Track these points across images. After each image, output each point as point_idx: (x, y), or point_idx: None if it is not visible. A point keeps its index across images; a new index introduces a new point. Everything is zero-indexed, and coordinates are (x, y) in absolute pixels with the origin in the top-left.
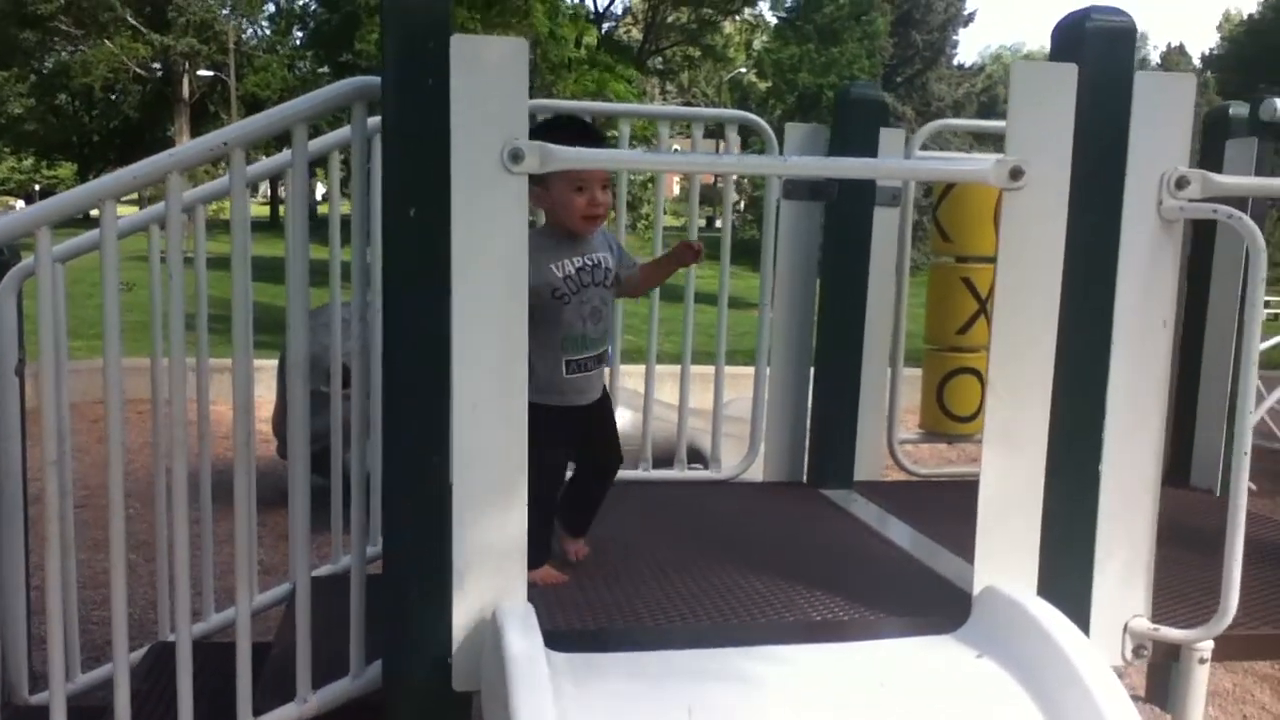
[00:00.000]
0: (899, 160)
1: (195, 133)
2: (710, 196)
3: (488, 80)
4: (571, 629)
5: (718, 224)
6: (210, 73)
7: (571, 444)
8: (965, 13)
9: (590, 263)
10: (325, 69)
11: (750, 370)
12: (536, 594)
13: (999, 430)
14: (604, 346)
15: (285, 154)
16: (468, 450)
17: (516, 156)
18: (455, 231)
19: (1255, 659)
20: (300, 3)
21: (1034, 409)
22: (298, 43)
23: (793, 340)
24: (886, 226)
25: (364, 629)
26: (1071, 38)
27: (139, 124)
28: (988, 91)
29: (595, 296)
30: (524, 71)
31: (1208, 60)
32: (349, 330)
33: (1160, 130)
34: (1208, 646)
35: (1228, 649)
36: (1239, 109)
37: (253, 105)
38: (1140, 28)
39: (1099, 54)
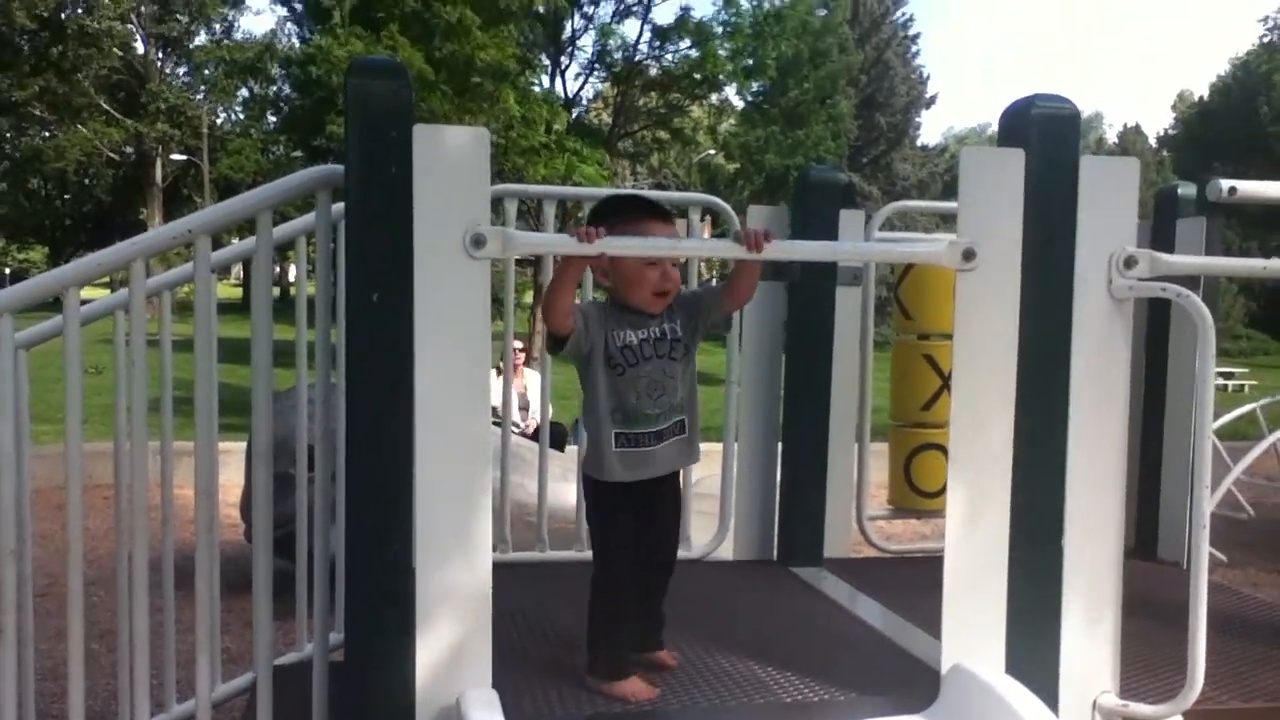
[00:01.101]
0: (856, 244)
1: (168, 216)
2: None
3: (450, 168)
4: (539, 716)
5: None
6: (183, 157)
7: (627, 525)
8: (927, 95)
9: (655, 334)
10: (299, 153)
11: (718, 447)
12: (504, 681)
13: (962, 507)
14: (667, 422)
15: (251, 239)
16: (431, 535)
17: (479, 242)
18: (418, 316)
19: None
20: (273, 89)
21: (995, 485)
22: (271, 127)
23: (760, 417)
24: (849, 305)
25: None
26: (1018, 124)
27: (111, 207)
28: (950, 171)
29: (657, 370)
30: (485, 159)
31: (1163, 140)
32: (315, 412)
33: (1107, 211)
34: None
35: None
36: (1187, 189)
37: (226, 188)
38: (1097, 108)
39: (1044, 139)
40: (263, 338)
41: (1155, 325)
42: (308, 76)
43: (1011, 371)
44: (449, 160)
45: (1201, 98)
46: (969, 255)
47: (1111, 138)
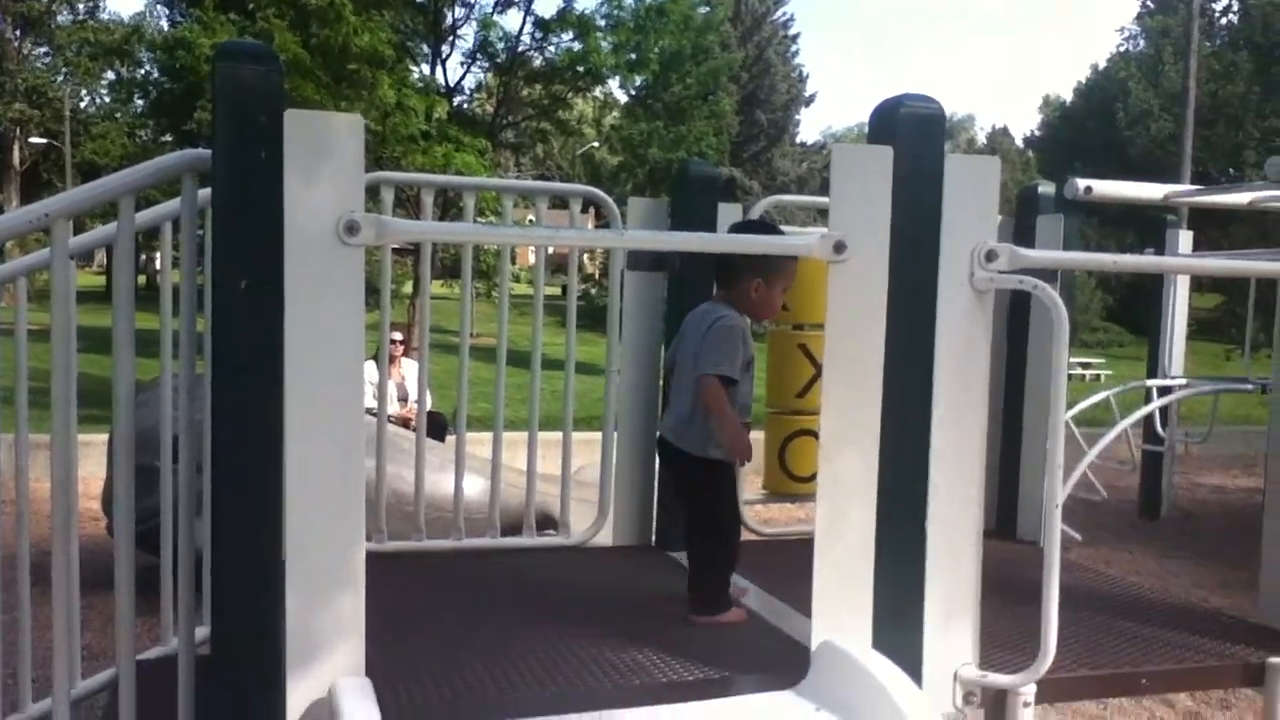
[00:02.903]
0: (730, 235)
1: (26, 200)
2: (564, 265)
3: (322, 153)
4: (414, 703)
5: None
6: (43, 140)
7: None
8: (806, 94)
9: None
10: (168, 138)
11: (598, 436)
12: (379, 669)
13: (830, 490)
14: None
15: (113, 225)
16: (301, 525)
17: (352, 229)
18: (289, 304)
19: (1075, 699)
20: (141, 72)
21: (862, 469)
22: (138, 110)
23: (639, 406)
24: None
25: (193, 715)
26: (886, 122)
27: None
28: (829, 168)
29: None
30: (359, 145)
31: (1029, 141)
32: (180, 402)
33: (970, 207)
34: (1031, 690)
35: (1049, 691)
36: (1047, 188)
37: (89, 173)
38: (969, 110)
39: (912, 137)
40: (125, 326)
41: (1015, 316)
42: (176, 61)
43: (879, 360)
44: (321, 146)
45: (1065, 102)
46: (840, 248)
47: (982, 138)
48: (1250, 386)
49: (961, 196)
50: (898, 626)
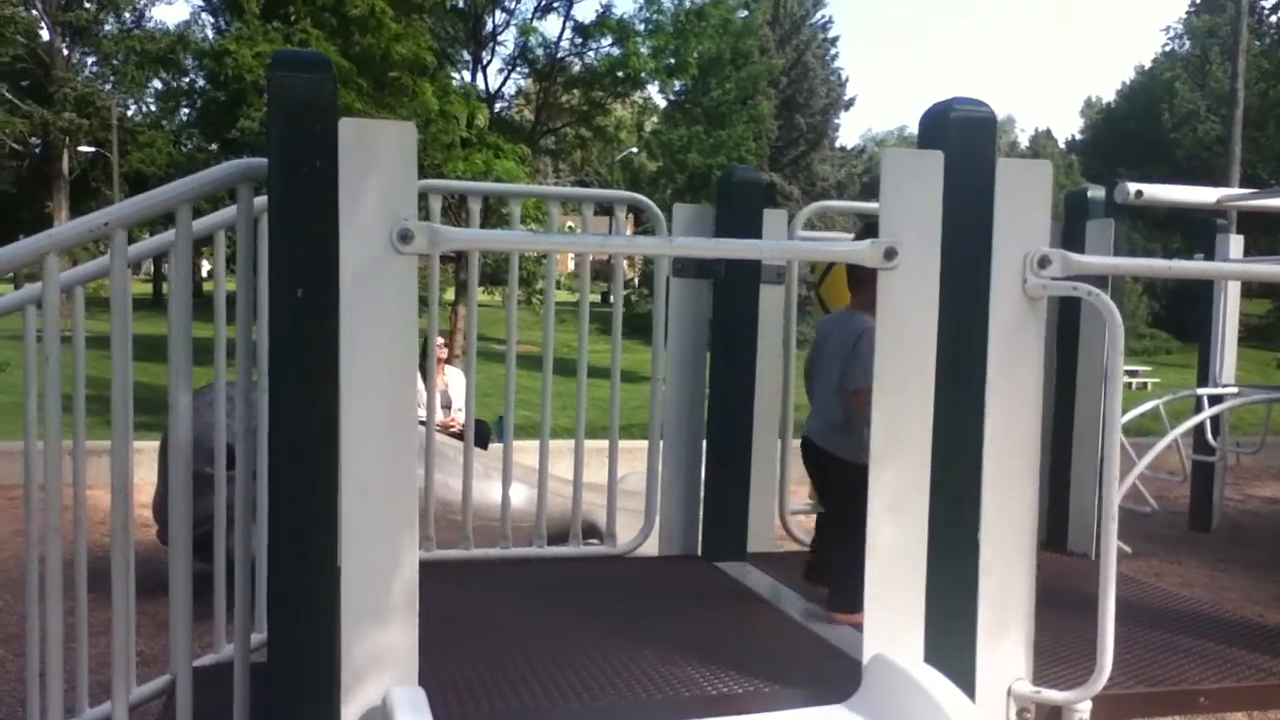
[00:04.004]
0: (780, 241)
1: (75, 209)
2: (603, 271)
3: (376, 162)
4: (465, 713)
5: (610, 299)
6: (91, 149)
7: None
8: (846, 98)
9: None
10: (214, 145)
11: (643, 444)
12: (430, 679)
13: (883, 502)
14: None
15: (168, 233)
16: (356, 534)
17: (405, 237)
18: (344, 312)
19: (1131, 718)
20: (186, 80)
21: (915, 480)
22: (184, 119)
23: (685, 414)
24: (772, 303)
25: None
26: (937, 127)
27: (16, 200)
28: (869, 172)
29: None
30: (413, 153)
31: (1072, 144)
32: (234, 410)
33: (1022, 213)
34: (1086, 707)
35: (1104, 709)
36: (1096, 192)
37: (136, 182)
38: (1009, 112)
39: (962, 142)
40: (182, 334)
41: (1065, 324)
42: (222, 69)
43: (931, 369)
44: (374, 154)
45: (1109, 104)
46: (890, 254)
47: (1024, 141)
48: None
49: (1013, 201)
50: (950, 640)
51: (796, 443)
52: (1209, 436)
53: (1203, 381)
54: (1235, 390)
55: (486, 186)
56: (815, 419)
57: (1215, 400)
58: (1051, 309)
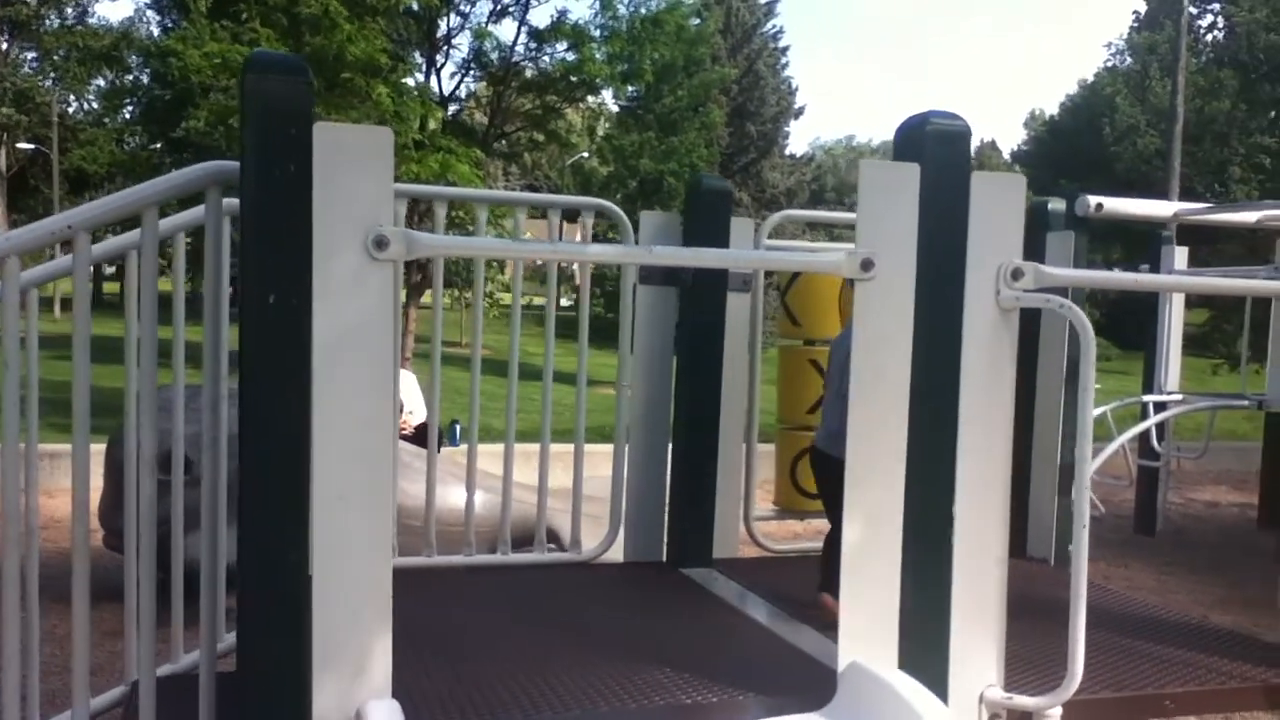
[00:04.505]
0: (761, 252)
1: (12, 207)
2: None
3: (352, 168)
4: None
5: (564, 302)
6: (30, 145)
7: None
8: (796, 106)
9: None
10: (157, 144)
11: (606, 449)
12: (401, 691)
13: (858, 510)
14: None
15: (127, 236)
16: (330, 543)
17: (381, 244)
18: (316, 318)
19: None
20: (130, 78)
21: (890, 489)
22: (127, 117)
23: (651, 420)
24: (737, 311)
25: None
26: (913, 139)
27: None
28: (817, 180)
29: None
30: (389, 159)
31: (1016, 155)
32: (191, 415)
33: (996, 225)
34: (1057, 713)
35: (1074, 714)
36: (1057, 204)
37: (76, 179)
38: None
39: (938, 154)
40: (149, 337)
41: (1024, 332)
42: (167, 68)
43: (906, 379)
44: (350, 159)
45: (1052, 116)
46: (867, 265)
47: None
48: (1247, 403)
49: (987, 214)
50: (923, 647)
51: (762, 448)
52: (1154, 442)
53: (1148, 389)
54: (1180, 397)
55: (454, 192)
56: (821, 426)
57: (1161, 407)
58: None
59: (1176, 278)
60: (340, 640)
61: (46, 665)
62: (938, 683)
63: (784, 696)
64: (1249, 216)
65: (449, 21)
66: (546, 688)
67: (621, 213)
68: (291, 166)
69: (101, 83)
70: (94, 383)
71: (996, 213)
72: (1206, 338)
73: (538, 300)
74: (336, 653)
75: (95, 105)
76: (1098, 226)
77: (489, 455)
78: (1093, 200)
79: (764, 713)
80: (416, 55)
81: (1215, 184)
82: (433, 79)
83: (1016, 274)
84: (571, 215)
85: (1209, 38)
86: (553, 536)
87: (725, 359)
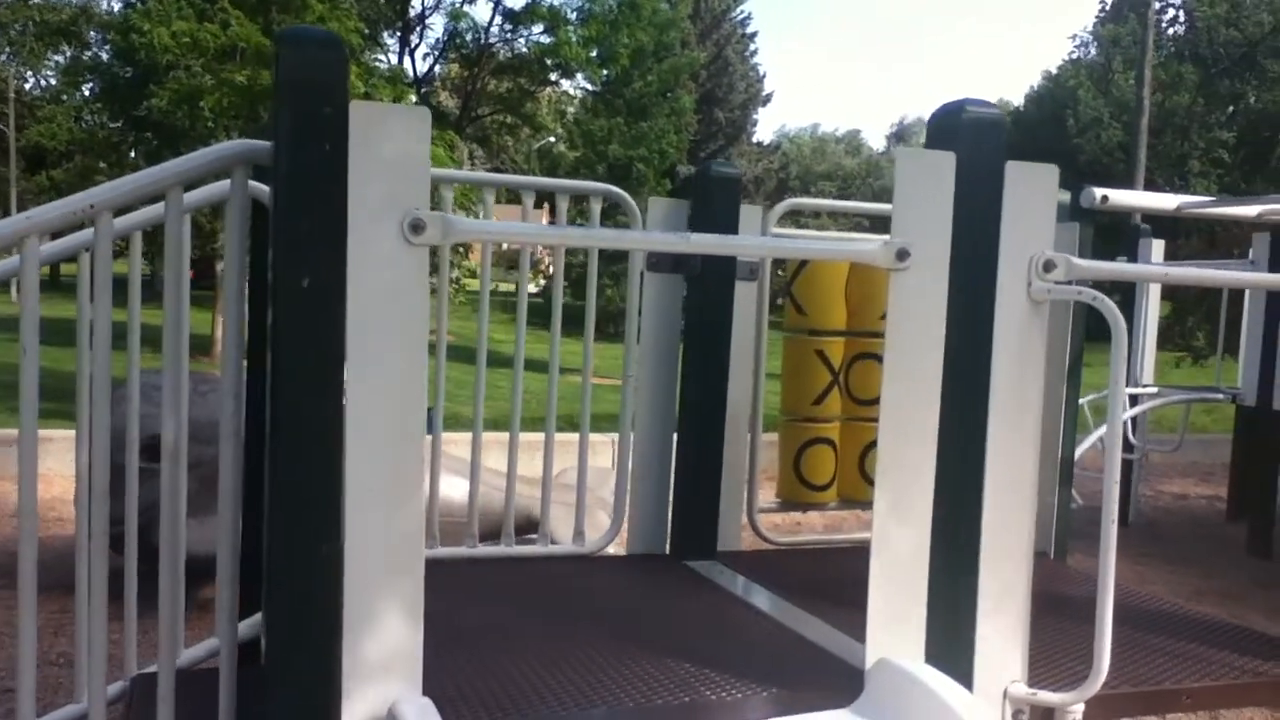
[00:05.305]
0: (798, 240)
1: None
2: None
3: (388, 149)
4: None
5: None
6: None
7: None
8: (764, 93)
9: None
10: (119, 123)
11: (600, 439)
12: (436, 689)
13: (889, 504)
14: None
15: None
16: (362, 537)
17: (417, 228)
18: (351, 304)
19: (1120, 718)
20: (89, 54)
21: (921, 483)
22: (86, 94)
23: (658, 410)
24: (746, 299)
25: None
26: (948, 127)
27: None
28: (784, 169)
29: None
30: (426, 140)
31: None
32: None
33: (1028, 216)
34: (1079, 709)
35: (1095, 710)
36: (1061, 196)
37: (33, 156)
38: (916, 113)
39: (973, 143)
40: (174, 323)
41: None
42: (130, 44)
43: (939, 372)
44: (387, 139)
45: (1017, 108)
46: (903, 255)
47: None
48: (1221, 396)
49: (1020, 204)
50: (948, 642)
51: (766, 438)
52: (1130, 435)
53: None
54: (1155, 390)
55: (459, 174)
56: None
57: (1136, 400)
58: None
59: (1211, 272)
60: (371, 636)
61: (45, 654)
62: (963, 678)
63: (810, 692)
64: (1250, 210)
65: (423, 2)
66: (570, 685)
67: (630, 198)
68: (326, 146)
69: (60, 59)
70: (53, 366)
71: (1030, 203)
72: (1169, 331)
73: (503, 286)
74: (366, 650)
75: (53, 82)
76: (1062, 219)
77: (461, 444)
78: (1098, 192)
79: (790, 708)
80: (386, 37)
81: (1175, 177)
82: (405, 61)
83: (1048, 266)
84: (540, 200)
85: (1170, 32)
86: (531, 526)
87: (732, 349)
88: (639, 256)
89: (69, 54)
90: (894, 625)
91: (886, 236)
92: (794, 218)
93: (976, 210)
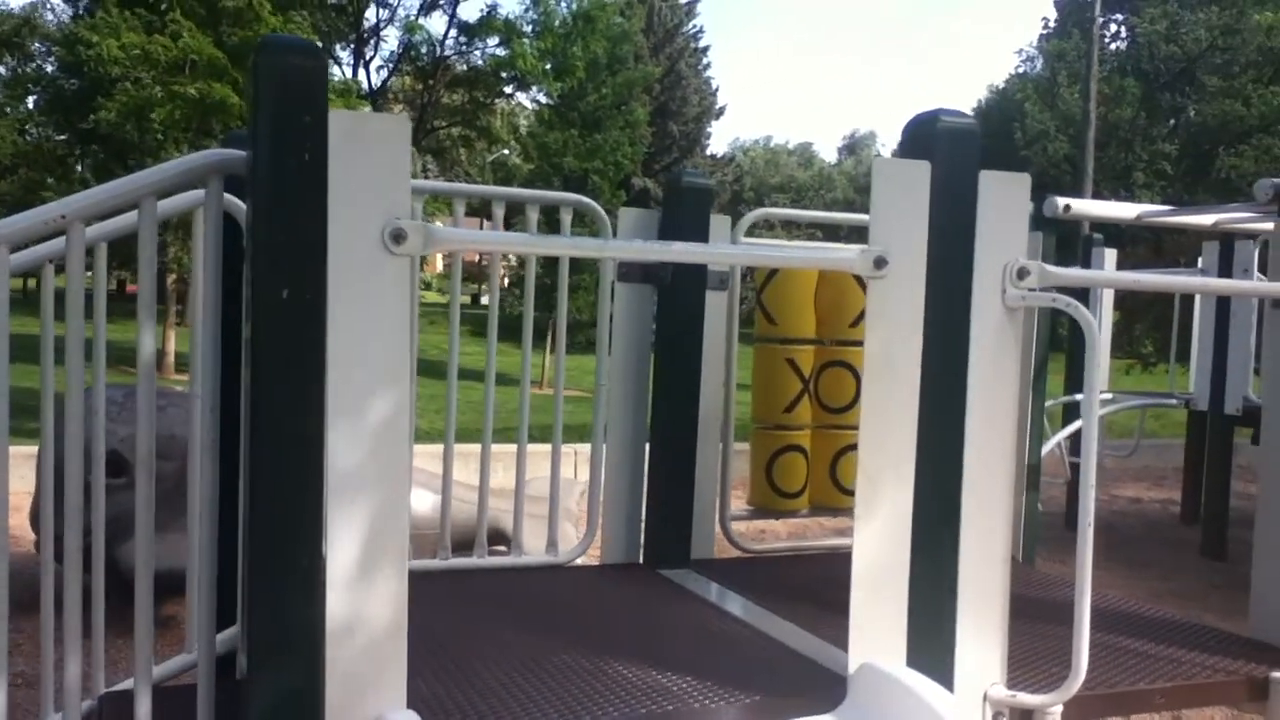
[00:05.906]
0: (776, 250)
1: None
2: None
3: (369, 157)
4: None
5: (483, 300)
6: None
7: None
8: (717, 106)
9: None
10: (64, 135)
11: (547, 449)
12: (421, 702)
13: (869, 510)
14: None
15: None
16: (344, 549)
17: (399, 237)
18: (332, 315)
19: (1096, 718)
20: (33, 66)
21: (900, 488)
22: (30, 106)
23: (629, 420)
24: (715, 310)
25: None
26: (923, 136)
27: None
28: (738, 181)
29: None
30: (406, 148)
31: None
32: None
33: (1002, 224)
34: (1058, 710)
35: (1072, 711)
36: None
37: None
38: (871, 128)
39: (948, 152)
40: (148, 335)
41: None
42: (76, 57)
43: (916, 378)
44: (367, 148)
45: (979, 103)
46: (880, 263)
47: (886, 155)
48: (1174, 401)
49: (994, 213)
50: (930, 647)
51: (738, 447)
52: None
53: (1075, 387)
54: (1111, 396)
55: (431, 185)
56: None
57: None
58: None
59: (1183, 279)
60: (355, 649)
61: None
62: (943, 682)
63: (793, 699)
64: (1206, 219)
65: (377, 14)
66: (554, 696)
67: (600, 209)
68: (306, 155)
69: (2, 69)
70: (18, 383)
71: (1003, 211)
72: (1119, 337)
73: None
74: (350, 663)
75: None
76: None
77: (429, 456)
78: (1061, 201)
79: (775, 715)
80: (339, 50)
81: (1120, 189)
82: (360, 73)
83: (1022, 273)
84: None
85: (1113, 47)
86: (500, 538)
87: (703, 358)
88: (610, 266)
89: (12, 65)
90: (875, 630)
91: (858, 245)
92: (752, 228)
93: (952, 219)
